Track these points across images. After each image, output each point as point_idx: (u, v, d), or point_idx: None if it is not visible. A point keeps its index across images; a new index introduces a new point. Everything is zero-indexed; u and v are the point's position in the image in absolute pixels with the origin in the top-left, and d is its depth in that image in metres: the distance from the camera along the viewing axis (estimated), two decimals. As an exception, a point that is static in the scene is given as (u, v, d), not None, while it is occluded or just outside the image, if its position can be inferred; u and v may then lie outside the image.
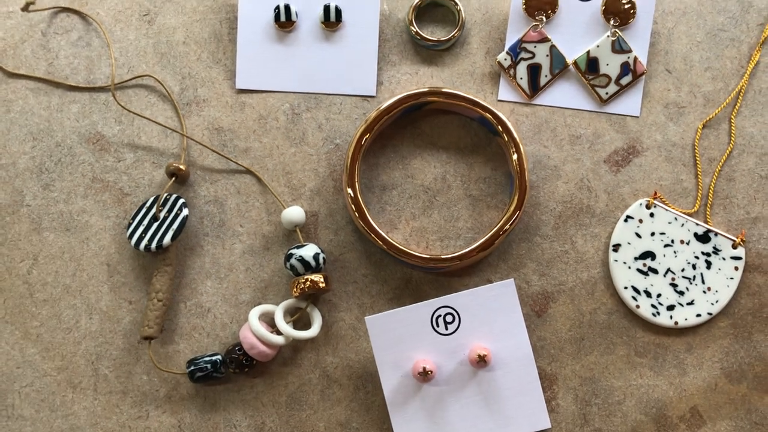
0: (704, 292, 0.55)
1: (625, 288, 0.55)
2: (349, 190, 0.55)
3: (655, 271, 0.55)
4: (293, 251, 0.54)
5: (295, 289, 0.54)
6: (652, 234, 0.55)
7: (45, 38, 0.58)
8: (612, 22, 0.56)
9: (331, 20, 0.56)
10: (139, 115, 0.56)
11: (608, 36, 0.56)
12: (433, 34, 0.58)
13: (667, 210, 0.55)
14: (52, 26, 0.58)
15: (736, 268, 0.55)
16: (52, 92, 0.57)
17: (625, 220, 0.55)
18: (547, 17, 0.57)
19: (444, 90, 0.55)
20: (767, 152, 0.56)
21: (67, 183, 0.57)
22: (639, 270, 0.55)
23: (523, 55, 0.57)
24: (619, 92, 0.57)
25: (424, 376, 0.51)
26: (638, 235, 0.55)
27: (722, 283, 0.55)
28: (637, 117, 0.57)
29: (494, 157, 0.57)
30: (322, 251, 0.54)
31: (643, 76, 0.57)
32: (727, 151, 0.57)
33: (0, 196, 0.56)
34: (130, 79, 0.57)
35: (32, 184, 0.56)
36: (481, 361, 0.51)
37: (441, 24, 0.58)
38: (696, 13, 0.57)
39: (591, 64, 0.56)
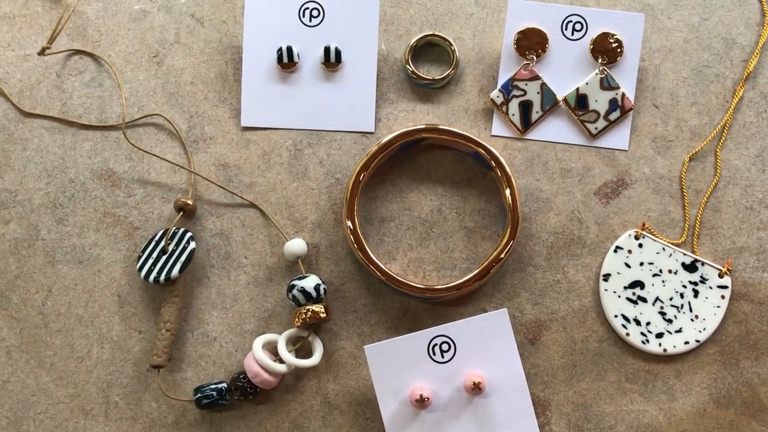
0: (692, 320, 0.57)
1: (616, 316, 0.57)
2: (349, 223, 0.57)
3: (644, 300, 0.57)
4: (295, 282, 0.56)
5: (297, 319, 0.56)
6: (641, 264, 0.57)
7: (59, 79, 0.61)
8: (600, 60, 0.59)
9: (332, 61, 0.59)
10: (148, 152, 0.59)
11: (597, 73, 0.59)
12: (429, 73, 0.60)
13: (655, 240, 0.57)
14: (66, 68, 0.61)
15: (723, 297, 0.57)
16: (66, 131, 0.60)
17: (615, 251, 0.58)
18: (538, 56, 0.59)
19: (440, 127, 0.58)
20: (752, 184, 0.58)
21: (80, 218, 0.59)
22: (628, 299, 0.57)
23: (515, 92, 0.59)
24: (608, 127, 0.59)
25: (421, 403, 0.53)
26: (627, 265, 0.57)
27: (709, 311, 0.57)
28: (626, 151, 0.59)
29: (488, 190, 0.59)
30: (323, 282, 0.56)
31: (631, 112, 0.59)
32: (713, 183, 0.59)
33: (17, 230, 0.59)
34: (140, 118, 0.60)
35: (47, 219, 0.59)
36: (476, 389, 0.53)
37: (436, 63, 0.60)
38: (682, 50, 0.60)
39: (580, 101, 0.59)
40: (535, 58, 0.59)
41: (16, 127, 0.60)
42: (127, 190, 0.59)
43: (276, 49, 0.59)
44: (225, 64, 0.60)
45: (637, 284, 0.57)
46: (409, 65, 0.59)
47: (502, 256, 0.56)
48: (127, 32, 0.61)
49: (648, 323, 0.57)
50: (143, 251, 0.58)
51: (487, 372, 0.55)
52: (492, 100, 0.59)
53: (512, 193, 0.57)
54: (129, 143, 0.59)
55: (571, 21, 0.59)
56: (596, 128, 0.59)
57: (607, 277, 0.57)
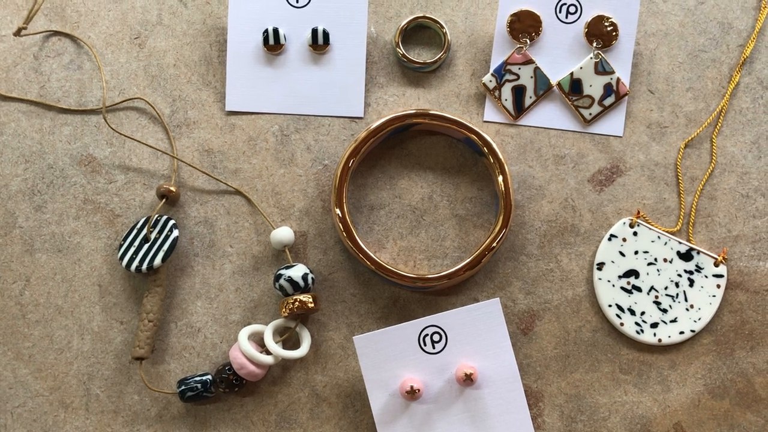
0: (687, 309, 0.56)
1: (610, 306, 0.56)
2: (338, 211, 0.55)
3: (638, 289, 0.56)
4: (282, 272, 0.54)
5: (284, 310, 0.54)
6: (636, 252, 0.56)
7: (37, 62, 0.58)
8: (595, 44, 0.57)
9: (319, 43, 0.57)
10: (129, 137, 0.57)
11: (591, 58, 0.57)
12: (420, 56, 0.59)
13: (650, 229, 0.56)
14: (44, 50, 0.59)
15: (719, 286, 0.56)
16: (44, 115, 0.58)
17: (609, 239, 0.56)
18: (531, 39, 0.58)
19: (431, 112, 0.56)
20: (748, 171, 0.57)
21: (59, 205, 0.57)
22: (623, 288, 0.56)
23: (508, 76, 0.58)
24: (603, 113, 0.58)
25: (412, 394, 0.52)
26: (622, 254, 0.56)
27: (705, 300, 0.56)
28: (621, 137, 0.58)
29: (480, 177, 0.58)
30: (310, 271, 0.55)
31: (626, 97, 0.58)
32: (709, 170, 0.58)
33: (-8, 218, 0.57)
34: (121, 102, 0.58)
35: (24, 206, 0.57)
36: (468, 380, 0.52)
37: (427, 46, 0.59)
38: (677, 34, 0.58)
39: (574, 86, 0.57)
40: (528, 41, 0.58)
41: (-8, 111, 0.58)
42: (107, 176, 0.58)
43: (262, 30, 0.58)
44: (209, 46, 0.59)
45: (632, 273, 0.56)
46: (400, 48, 0.57)
47: (495, 244, 0.55)
48: (108, 13, 0.59)
49: (642, 313, 0.56)
50: (125, 239, 0.56)
51: (478, 363, 0.54)
52: (484, 84, 0.58)
53: (505, 180, 0.55)
54: (110, 128, 0.58)
55: (565, 3, 0.58)
56: (590, 114, 0.57)
57: (601, 266, 0.56)
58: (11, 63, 0.58)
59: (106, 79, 0.58)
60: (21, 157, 0.58)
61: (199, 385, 0.54)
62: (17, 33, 0.57)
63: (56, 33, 0.59)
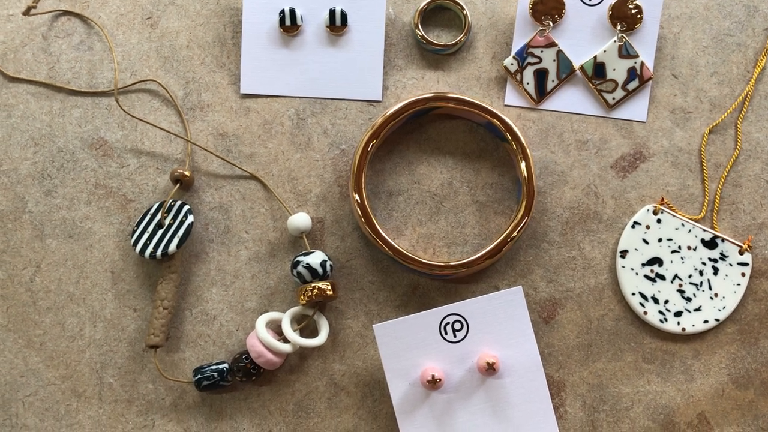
0: (711, 298, 0.55)
1: (633, 294, 0.55)
2: (356, 196, 0.54)
3: (662, 278, 0.55)
4: (300, 258, 0.53)
5: (302, 297, 0.53)
6: (660, 240, 0.55)
7: (46, 42, 0.57)
8: (619, 27, 0.56)
9: (337, 24, 0.56)
10: (142, 120, 0.55)
11: (615, 41, 0.56)
12: (439, 38, 0.57)
13: (674, 216, 0.55)
14: (53, 30, 0.57)
15: (743, 274, 0.55)
16: (53, 97, 0.56)
17: (633, 226, 0.55)
18: (554, 22, 0.56)
19: (451, 95, 0.55)
20: (773, 158, 0.56)
21: (70, 189, 0.56)
22: (646, 276, 0.55)
23: (530, 59, 0.56)
24: (626, 97, 0.56)
25: (433, 384, 0.51)
26: (645, 241, 0.55)
27: (729, 289, 0.55)
28: (644, 122, 0.57)
29: (501, 163, 0.56)
30: (329, 258, 0.54)
31: (650, 82, 0.56)
32: (734, 157, 0.56)
33: (2, 202, 0.56)
34: (133, 84, 0.56)
35: (34, 191, 0.56)
36: (490, 369, 0.51)
37: (447, 28, 0.57)
38: (702, 17, 0.57)
39: (598, 69, 0.56)
40: (551, 23, 0.56)
41: (0, 93, 0.56)
42: (119, 160, 0.56)
43: (278, 11, 0.56)
44: (223, 26, 0.57)
45: (656, 261, 0.55)
46: (419, 30, 0.56)
47: (516, 232, 0.54)
48: (119, -8, 0.57)
49: (666, 301, 0.55)
50: (138, 225, 0.54)
51: (500, 352, 0.53)
52: (505, 67, 0.56)
53: (527, 166, 0.54)
54: (121, 110, 0.56)
55: (589, -15, 0.56)
56: (614, 98, 0.56)
57: (624, 253, 0.55)
58: (19, 43, 0.57)
59: (118, 61, 0.57)
60: (30, 140, 0.56)
61: (215, 374, 0.53)
62: (26, 12, 0.56)
63: (66, 12, 0.57)
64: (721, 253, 0.55)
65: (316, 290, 0.53)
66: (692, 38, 0.57)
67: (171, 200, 0.55)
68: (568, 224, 0.56)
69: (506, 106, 0.57)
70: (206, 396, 0.55)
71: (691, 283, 0.55)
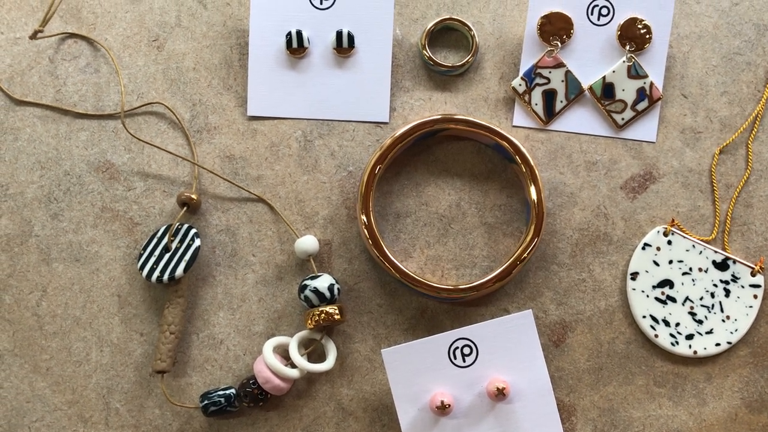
0: (723, 320, 0.54)
1: (644, 317, 0.54)
2: (363, 218, 0.54)
3: (673, 300, 0.54)
4: (307, 282, 0.53)
5: (309, 321, 0.53)
6: (670, 262, 0.55)
7: (53, 65, 0.57)
8: (628, 47, 0.56)
9: (344, 46, 0.56)
10: (149, 143, 0.55)
11: (624, 61, 0.56)
12: (447, 59, 0.57)
13: (684, 237, 0.55)
14: (59, 52, 0.57)
15: (756, 296, 0.54)
16: (60, 120, 0.56)
17: (643, 248, 0.55)
18: (562, 42, 0.56)
19: (458, 117, 0.55)
20: (785, 178, 0.56)
21: (76, 213, 0.56)
22: (657, 299, 0.54)
23: (538, 80, 0.56)
24: (636, 118, 0.56)
25: (443, 409, 0.51)
26: (656, 263, 0.55)
27: (741, 311, 0.54)
28: (654, 143, 0.56)
29: (509, 184, 0.56)
30: (336, 282, 0.53)
31: (660, 102, 0.56)
32: (744, 177, 0.56)
33: (8, 226, 0.55)
34: (140, 107, 0.56)
35: (41, 214, 0.56)
36: (500, 394, 0.51)
37: (454, 49, 0.57)
38: (711, 36, 0.57)
39: (607, 90, 0.56)
40: (559, 44, 0.56)
41: (7, 116, 0.56)
42: (126, 183, 0.56)
43: (285, 33, 0.56)
44: (230, 49, 0.57)
45: (666, 283, 0.55)
46: (426, 51, 0.56)
47: (525, 255, 0.53)
48: (125, 14, 0.57)
49: (677, 324, 0.54)
50: (144, 249, 0.54)
51: (510, 376, 0.52)
52: (513, 88, 0.56)
53: (537, 188, 0.54)
54: (128, 133, 0.56)
55: (597, 5, 0.56)
56: (623, 119, 0.56)
57: (634, 275, 0.55)
58: (26, 66, 0.57)
59: (124, 83, 0.56)
60: (37, 164, 0.56)
61: (222, 399, 0.52)
62: (33, 36, 0.55)
63: (72, 35, 0.57)
64: (732, 275, 0.54)
65: (323, 314, 0.52)
66: (702, 57, 0.57)
67: (178, 223, 0.54)
68: (578, 246, 0.55)
69: (514, 127, 0.56)
70: (213, 422, 0.54)
71: (702, 306, 0.54)
